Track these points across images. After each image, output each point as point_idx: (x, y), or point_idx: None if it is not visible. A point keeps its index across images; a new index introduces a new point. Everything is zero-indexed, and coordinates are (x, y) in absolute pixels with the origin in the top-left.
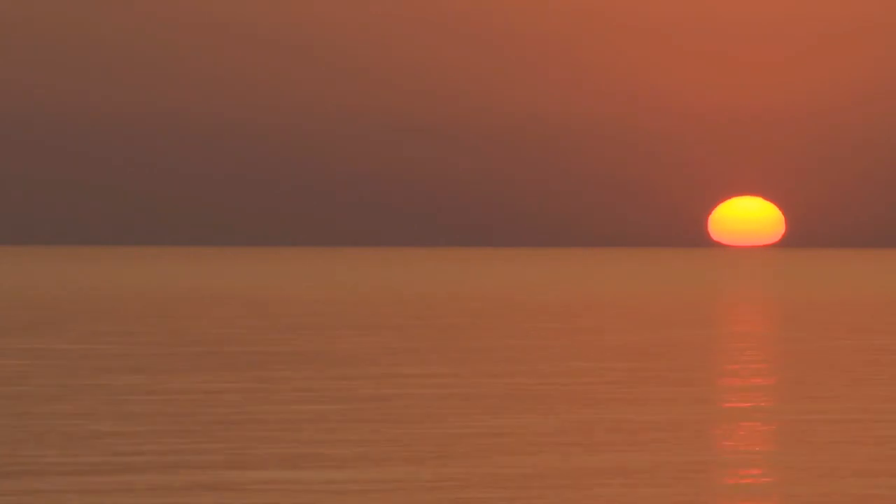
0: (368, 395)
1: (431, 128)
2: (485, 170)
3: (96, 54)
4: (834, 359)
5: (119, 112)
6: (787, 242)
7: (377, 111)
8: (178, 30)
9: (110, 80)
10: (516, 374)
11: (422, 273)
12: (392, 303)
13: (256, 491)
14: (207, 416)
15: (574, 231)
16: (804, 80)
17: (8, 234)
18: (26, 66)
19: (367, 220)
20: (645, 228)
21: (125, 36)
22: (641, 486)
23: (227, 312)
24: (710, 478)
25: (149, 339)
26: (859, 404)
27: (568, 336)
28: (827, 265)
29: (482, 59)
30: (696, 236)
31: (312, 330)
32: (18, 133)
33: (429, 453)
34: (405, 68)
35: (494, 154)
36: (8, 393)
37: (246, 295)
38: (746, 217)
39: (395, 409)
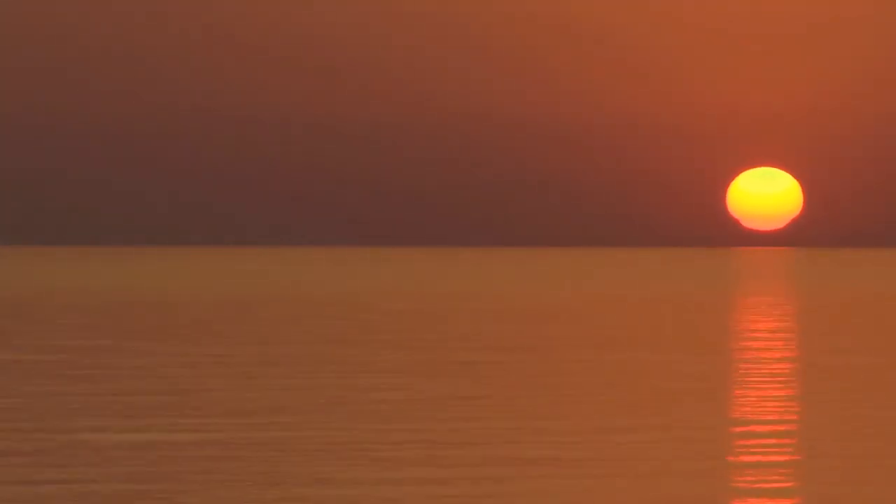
0: None
1: (435, 128)
2: (486, 170)
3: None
4: None
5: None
6: (807, 214)
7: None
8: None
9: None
10: None
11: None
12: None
13: None
14: None
15: (577, 231)
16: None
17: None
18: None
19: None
20: (669, 226)
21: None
22: None
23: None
24: None
25: None
26: None
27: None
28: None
29: (482, 58)
30: (716, 222)
31: None
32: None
33: None
34: (402, 68)
35: (494, 154)
36: None
37: None
38: (764, 192)
39: None
